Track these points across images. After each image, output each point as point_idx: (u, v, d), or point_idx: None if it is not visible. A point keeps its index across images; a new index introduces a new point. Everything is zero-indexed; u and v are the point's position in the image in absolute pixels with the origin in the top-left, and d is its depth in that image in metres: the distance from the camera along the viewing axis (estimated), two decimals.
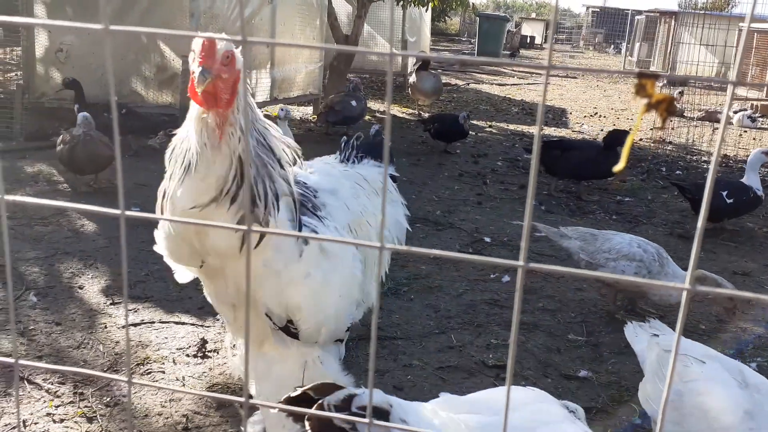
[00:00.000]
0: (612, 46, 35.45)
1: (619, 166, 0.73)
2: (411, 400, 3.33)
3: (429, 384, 3.56)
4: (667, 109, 0.69)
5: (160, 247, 2.49)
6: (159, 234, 2.47)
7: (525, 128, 11.34)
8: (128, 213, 0.77)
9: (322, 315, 2.43)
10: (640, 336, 2.97)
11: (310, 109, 11.02)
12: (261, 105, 9.57)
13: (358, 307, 2.79)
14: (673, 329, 2.99)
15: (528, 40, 33.92)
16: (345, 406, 1.58)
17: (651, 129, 11.11)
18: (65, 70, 8.07)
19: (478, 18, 25.79)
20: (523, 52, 30.59)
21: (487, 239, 5.81)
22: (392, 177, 3.28)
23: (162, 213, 2.32)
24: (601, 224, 6.46)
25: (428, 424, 1.70)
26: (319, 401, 1.57)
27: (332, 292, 2.44)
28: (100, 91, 8.14)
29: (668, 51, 19.40)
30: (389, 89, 0.67)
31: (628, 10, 32.15)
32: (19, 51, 8.93)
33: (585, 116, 13.11)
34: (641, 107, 0.67)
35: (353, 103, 9.35)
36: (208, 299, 2.75)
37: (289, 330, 2.40)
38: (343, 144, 3.18)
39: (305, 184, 2.60)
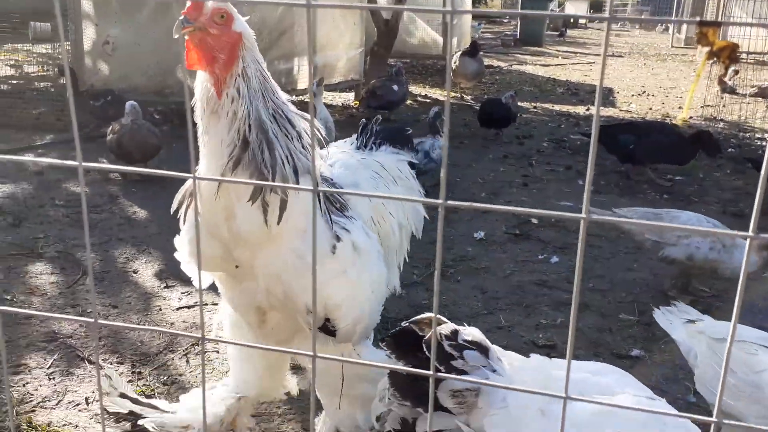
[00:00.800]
0: (659, 24, 34.56)
1: (682, 114, 0.71)
2: None
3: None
4: (730, 56, 0.67)
5: (183, 252, 2.42)
6: (182, 238, 2.40)
7: (570, 108, 11.16)
8: (198, 176, 0.79)
9: (359, 313, 2.39)
10: (674, 323, 2.84)
11: (351, 95, 11.03)
12: (302, 92, 9.64)
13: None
14: (727, 316, 2.91)
15: (572, 20, 33.28)
16: (453, 337, 1.77)
17: (702, 107, 10.81)
18: (112, 62, 8.25)
19: None
20: (570, 32, 30.04)
21: (534, 220, 5.74)
22: (410, 164, 3.12)
23: (186, 207, 2.27)
24: (652, 204, 6.33)
25: (521, 365, 1.86)
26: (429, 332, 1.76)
27: (366, 290, 2.41)
28: (146, 81, 8.31)
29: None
30: (449, 59, 0.67)
31: None
32: (67, 45, 9.16)
33: (633, 95, 12.83)
34: (704, 55, 0.66)
35: (395, 87, 9.33)
36: (228, 306, 2.62)
37: (327, 328, 2.35)
38: (361, 128, 3.06)
39: (330, 179, 2.55)
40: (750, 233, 0.70)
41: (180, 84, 8.35)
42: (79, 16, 8.30)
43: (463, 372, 1.73)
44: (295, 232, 2.17)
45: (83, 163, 0.91)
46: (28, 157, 6.30)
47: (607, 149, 7.17)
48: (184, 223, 2.35)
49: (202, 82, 2.10)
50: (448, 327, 1.80)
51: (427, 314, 1.84)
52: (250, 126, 2.08)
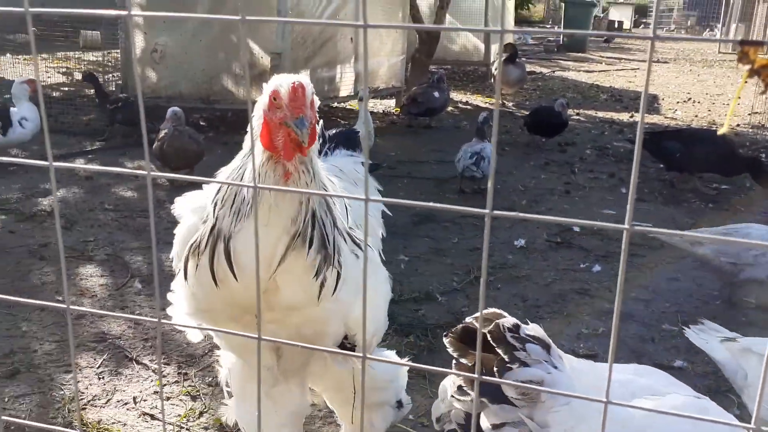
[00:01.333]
0: (707, 29, 33.89)
1: (723, 129, 0.73)
2: None
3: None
4: None
5: (181, 307, 2.20)
6: (182, 292, 2.17)
7: (614, 115, 11.03)
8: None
9: (376, 323, 2.34)
10: (711, 343, 2.75)
11: (392, 102, 11.10)
12: (344, 99, 9.74)
13: None
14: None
15: (616, 25, 32.87)
16: (515, 329, 1.84)
17: (749, 114, 10.59)
18: (159, 69, 8.46)
19: (563, 4, 25.19)
20: (610, 36, 29.64)
21: (576, 228, 5.70)
22: (372, 165, 3.14)
23: (212, 273, 1.99)
24: (696, 213, 6.24)
25: (578, 366, 1.91)
26: (495, 322, 1.84)
27: (380, 299, 2.35)
28: (192, 88, 8.50)
29: None
30: (500, 66, 0.70)
31: None
32: (116, 53, 9.43)
33: (678, 102, 12.62)
34: (744, 73, 0.68)
35: (436, 94, 9.36)
36: (232, 353, 2.44)
37: (344, 346, 2.23)
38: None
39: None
40: None
41: (225, 91, 8.51)
42: (129, 24, 8.54)
43: (526, 365, 1.79)
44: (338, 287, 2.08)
45: (54, 163, 0.98)
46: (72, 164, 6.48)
47: (652, 156, 7.08)
48: (185, 279, 2.10)
49: (266, 157, 1.92)
50: (509, 320, 1.86)
51: (490, 310, 1.91)
52: (317, 203, 1.98)
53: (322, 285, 2.00)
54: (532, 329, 1.87)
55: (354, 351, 2.25)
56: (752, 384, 2.53)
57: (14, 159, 1.19)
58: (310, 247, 1.96)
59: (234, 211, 1.94)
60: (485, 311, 1.91)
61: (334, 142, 3.01)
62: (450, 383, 1.94)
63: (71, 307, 1.04)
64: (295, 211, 1.94)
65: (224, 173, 2.07)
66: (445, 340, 1.94)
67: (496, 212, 0.72)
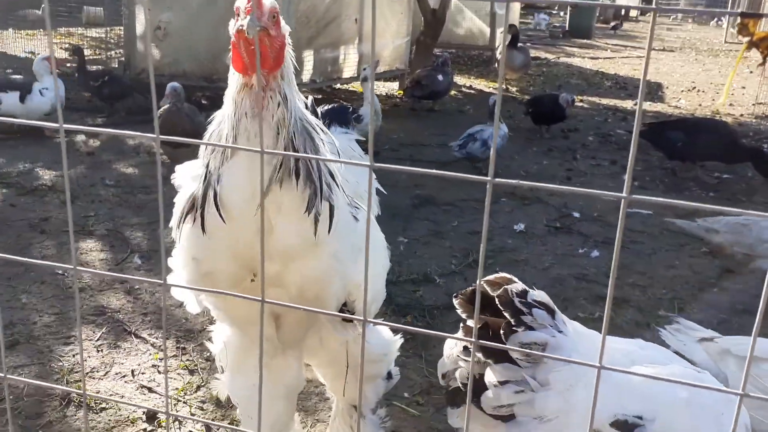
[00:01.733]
0: (714, 18, 33.64)
1: (720, 100, 0.73)
2: None
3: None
4: None
5: (181, 273, 2.15)
6: (181, 258, 2.13)
7: (618, 102, 10.99)
8: None
9: (374, 289, 2.33)
10: (689, 344, 2.62)
11: (396, 84, 11.06)
12: (348, 81, 9.71)
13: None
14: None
15: (623, 12, 32.66)
16: (522, 295, 1.91)
17: (753, 104, 10.54)
18: (163, 47, 8.42)
19: None
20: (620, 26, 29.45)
21: (576, 214, 5.71)
22: (358, 141, 2.99)
23: (202, 221, 1.98)
24: (698, 201, 6.22)
25: (582, 332, 1.98)
26: (504, 287, 1.91)
27: (379, 267, 2.35)
28: (196, 67, 8.46)
29: None
30: (503, 52, 0.70)
31: None
32: (119, 30, 9.40)
33: (682, 90, 12.57)
34: (744, 44, 0.68)
35: (439, 77, 9.32)
36: (229, 330, 2.42)
37: (343, 312, 2.19)
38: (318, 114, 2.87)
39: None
40: None
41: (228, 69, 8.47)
42: (132, 1, 8.50)
43: (531, 328, 1.86)
44: (336, 236, 2.03)
45: (64, 125, 0.99)
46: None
47: (653, 145, 7.08)
48: (179, 241, 2.09)
49: (240, 84, 1.91)
50: (518, 286, 1.93)
51: (500, 274, 1.97)
52: (295, 132, 1.93)
53: (316, 220, 1.96)
54: (539, 295, 1.94)
55: (350, 321, 2.25)
56: (733, 388, 2.36)
57: (28, 121, 1.19)
58: (297, 178, 1.93)
59: (219, 151, 1.96)
60: (493, 277, 1.97)
61: (327, 119, 2.93)
62: (455, 342, 2.01)
63: (78, 268, 1.05)
64: (272, 140, 1.92)
65: (216, 118, 2.04)
66: (455, 301, 2.01)
67: (497, 180, 0.73)
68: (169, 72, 8.21)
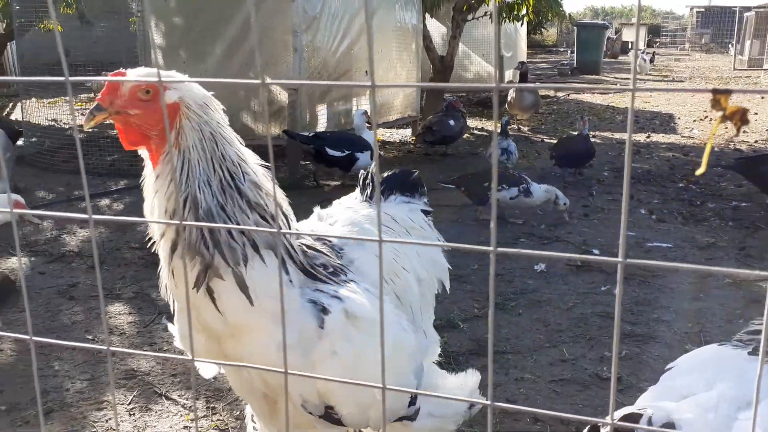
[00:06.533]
0: (727, 46, 33.77)
1: (700, 170, 0.79)
2: (524, 413, 3.36)
3: (542, 397, 3.57)
4: (741, 119, 0.76)
5: (177, 340, 2.21)
6: (174, 326, 2.21)
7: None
8: None
9: (364, 396, 2.02)
10: None
11: (408, 132, 11.22)
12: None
13: (418, 370, 2.31)
14: None
15: (630, 46, 32.99)
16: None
17: (767, 130, 10.55)
18: None
19: (575, 27, 25.37)
20: (624, 58, 29.75)
21: (596, 251, 5.72)
22: (424, 212, 2.81)
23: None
24: (717, 231, 6.23)
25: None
26: None
27: (371, 368, 1.94)
28: None
29: None
30: (495, 98, 0.77)
31: (736, 7, 30.67)
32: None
33: (694, 120, 12.62)
34: (717, 118, 0.75)
35: (451, 122, 9.45)
36: (238, 394, 2.43)
37: (332, 417, 2.04)
38: (362, 180, 2.67)
39: (328, 241, 2.20)
40: None
41: (246, 128, 8.68)
42: (149, 65, 8.76)
43: None
44: (267, 315, 1.87)
45: (93, 216, 1.05)
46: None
47: (750, 181, 7.13)
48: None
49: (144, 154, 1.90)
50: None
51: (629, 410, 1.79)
52: (185, 201, 1.82)
53: (212, 298, 1.85)
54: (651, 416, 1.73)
55: (343, 425, 2.07)
56: None
57: (55, 214, 1.26)
58: (173, 252, 1.83)
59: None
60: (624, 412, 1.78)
61: (388, 187, 2.76)
62: None
63: (112, 348, 1.11)
64: (172, 202, 1.83)
65: None
66: None
67: (500, 249, 0.78)
68: None
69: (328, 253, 2.11)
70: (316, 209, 2.52)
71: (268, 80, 0.78)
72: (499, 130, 7.49)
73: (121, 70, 1.82)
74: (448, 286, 2.81)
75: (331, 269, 2.06)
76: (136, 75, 1.80)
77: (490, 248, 0.78)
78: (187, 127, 1.83)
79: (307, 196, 7.37)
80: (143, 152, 1.89)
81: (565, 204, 6.36)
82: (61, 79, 0.82)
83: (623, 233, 0.71)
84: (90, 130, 10.41)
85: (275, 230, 1.03)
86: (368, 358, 1.95)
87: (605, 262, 0.69)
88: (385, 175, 2.79)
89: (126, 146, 1.87)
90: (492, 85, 0.69)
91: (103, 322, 4.11)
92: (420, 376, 2.27)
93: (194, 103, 1.84)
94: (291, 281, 1.94)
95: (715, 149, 9.70)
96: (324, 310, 1.93)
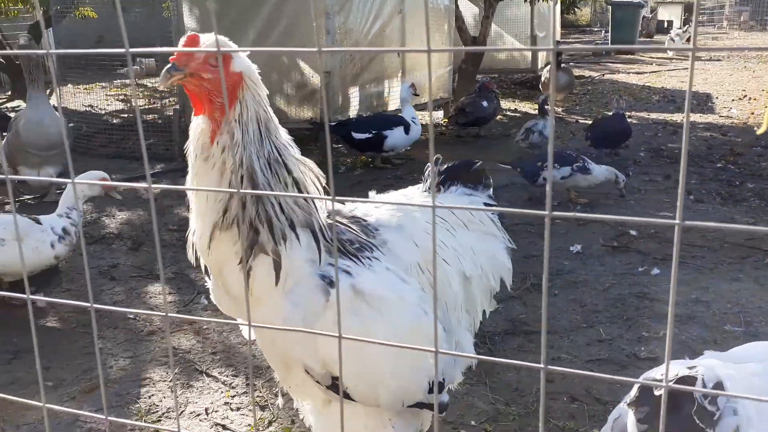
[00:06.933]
0: (767, 24, 32.86)
1: (761, 130, 0.78)
2: (561, 392, 3.36)
3: (579, 376, 3.56)
4: None
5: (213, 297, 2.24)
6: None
7: (668, 116, 10.86)
8: None
9: (372, 373, 2.02)
10: None
11: (440, 113, 11.17)
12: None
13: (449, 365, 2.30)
14: None
15: (666, 25, 32.27)
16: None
17: None
18: None
19: (610, 6, 24.89)
20: (658, 38, 29.12)
21: (633, 232, 5.66)
22: (489, 205, 2.70)
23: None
24: (756, 212, 6.11)
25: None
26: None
27: (380, 347, 1.92)
28: None
29: None
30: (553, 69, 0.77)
31: None
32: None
33: (733, 100, 12.34)
34: None
35: (484, 103, 9.38)
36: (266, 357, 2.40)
37: (339, 389, 2.03)
38: (426, 172, 2.62)
39: (363, 220, 2.20)
40: None
41: (278, 111, 8.72)
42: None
43: None
44: (282, 297, 1.93)
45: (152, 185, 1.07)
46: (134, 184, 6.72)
47: None
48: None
49: (197, 125, 1.92)
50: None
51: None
52: (242, 177, 1.86)
53: (248, 275, 1.87)
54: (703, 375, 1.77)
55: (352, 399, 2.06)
56: None
57: (120, 183, 1.29)
58: (237, 227, 1.86)
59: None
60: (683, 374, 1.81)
61: (449, 177, 2.66)
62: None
63: (169, 315, 1.14)
64: (216, 184, 1.86)
65: None
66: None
67: (555, 213, 0.78)
68: None
69: (357, 231, 2.12)
70: (371, 194, 2.55)
71: (325, 48, 0.79)
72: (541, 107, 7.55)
73: (192, 33, 1.87)
74: (509, 283, 2.72)
75: (357, 245, 2.07)
76: (205, 41, 1.84)
77: (545, 212, 0.78)
78: (249, 99, 1.88)
79: (340, 179, 7.41)
80: (204, 123, 1.89)
81: (623, 181, 6.39)
82: (122, 51, 0.84)
83: (681, 194, 0.71)
84: (126, 115, 10.58)
85: (329, 198, 1.03)
86: (377, 334, 1.94)
87: (664, 224, 0.69)
88: (445, 165, 2.69)
89: (196, 111, 1.91)
90: (550, 47, 0.68)
91: (161, 285, 4.21)
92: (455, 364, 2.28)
93: (252, 76, 1.90)
94: (318, 260, 1.96)
95: (754, 129, 9.49)
96: (331, 283, 1.94)
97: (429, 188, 2.54)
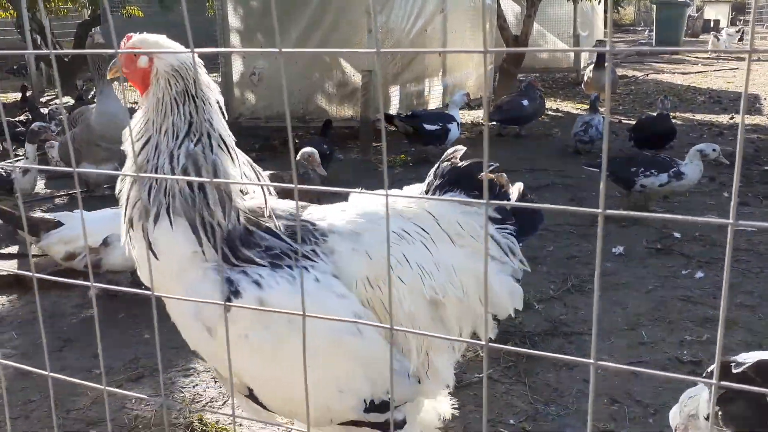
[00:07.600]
0: None
1: None
2: (601, 394, 3.34)
3: (620, 378, 3.54)
4: None
5: None
6: None
7: (713, 117, 10.65)
8: None
9: (285, 391, 1.97)
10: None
11: (481, 113, 11.14)
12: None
13: (408, 380, 2.15)
14: None
15: (711, 25, 31.58)
16: None
17: None
18: (258, 91, 8.86)
19: (654, 5, 24.48)
20: (704, 37, 28.52)
21: (677, 235, 5.58)
22: (497, 220, 2.41)
23: None
24: None
25: None
26: None
27: (293, 363, 1.74)
28: (289, 108, 8.85)
29: None
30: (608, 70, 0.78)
31: None
32: (215, 77, 9.94)
33: None
34: None
35: (524, 102, 9.31)
36: None
37: (258, 400, 2.05)
38: (432, 171, 2.42)
39: (312, 224, 2.09)
40: None
41: (320, 109, 8.82)
42: (227, 46, 9.00)
43: None
44: (171, 275, 2.02)
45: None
46: None
47: None
48: None
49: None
50: None
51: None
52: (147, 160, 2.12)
53: (149, 246, 2.00)
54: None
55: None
56: None
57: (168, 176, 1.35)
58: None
59: None
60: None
61: (449, 181, 2.35)
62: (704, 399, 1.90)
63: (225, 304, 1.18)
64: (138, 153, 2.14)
65: None
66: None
67: (609, 212, 0.80)
68: (265, 115, 8.64)
69: (285, 237, 2.01)
70: (352, 195, 2.30)
71: (383, 49, 0.82)
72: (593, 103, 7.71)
73: (130, 34, 2.17)
74: (510, 312, 2.47)
75: (277, 251, 1.98)
76: (132, 41, 2.14)
77: (599, 210, 0.80)
78: (152, 91, 2.13)
79: (378, 177, 7.45)
80: None
81: (715, 151, 6.00)
82: (187, 51, 0.88)
83: (735, 193, 0.72)
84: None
85: (292, 186, 1.06)
86: (292, 352, 1.80)
87: (716, 223, 0.70)
88: (449, 166, 2.38)
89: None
90: (605, 48, 0.70)
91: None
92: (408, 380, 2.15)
93: (163, 71, 2.10)
94: (203, 252, 1.98)
95: None
96: (236, 293, 1.92)
97: (428, 188, 2.38)
